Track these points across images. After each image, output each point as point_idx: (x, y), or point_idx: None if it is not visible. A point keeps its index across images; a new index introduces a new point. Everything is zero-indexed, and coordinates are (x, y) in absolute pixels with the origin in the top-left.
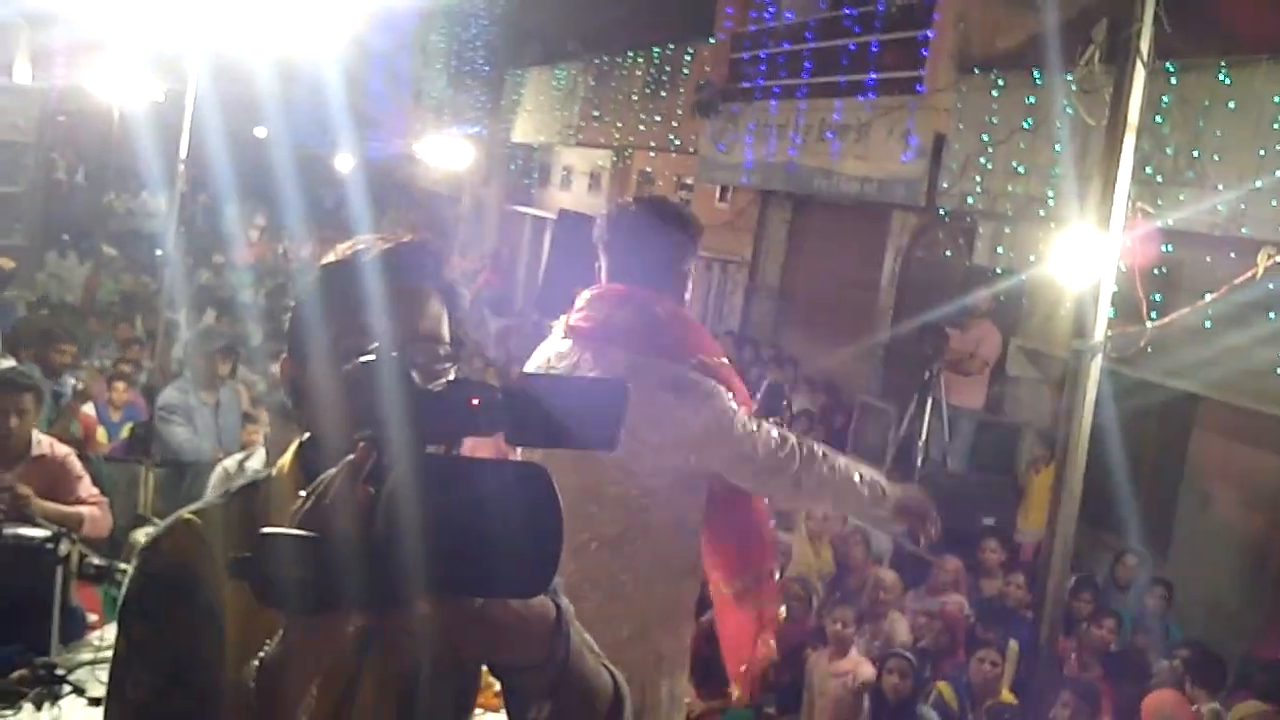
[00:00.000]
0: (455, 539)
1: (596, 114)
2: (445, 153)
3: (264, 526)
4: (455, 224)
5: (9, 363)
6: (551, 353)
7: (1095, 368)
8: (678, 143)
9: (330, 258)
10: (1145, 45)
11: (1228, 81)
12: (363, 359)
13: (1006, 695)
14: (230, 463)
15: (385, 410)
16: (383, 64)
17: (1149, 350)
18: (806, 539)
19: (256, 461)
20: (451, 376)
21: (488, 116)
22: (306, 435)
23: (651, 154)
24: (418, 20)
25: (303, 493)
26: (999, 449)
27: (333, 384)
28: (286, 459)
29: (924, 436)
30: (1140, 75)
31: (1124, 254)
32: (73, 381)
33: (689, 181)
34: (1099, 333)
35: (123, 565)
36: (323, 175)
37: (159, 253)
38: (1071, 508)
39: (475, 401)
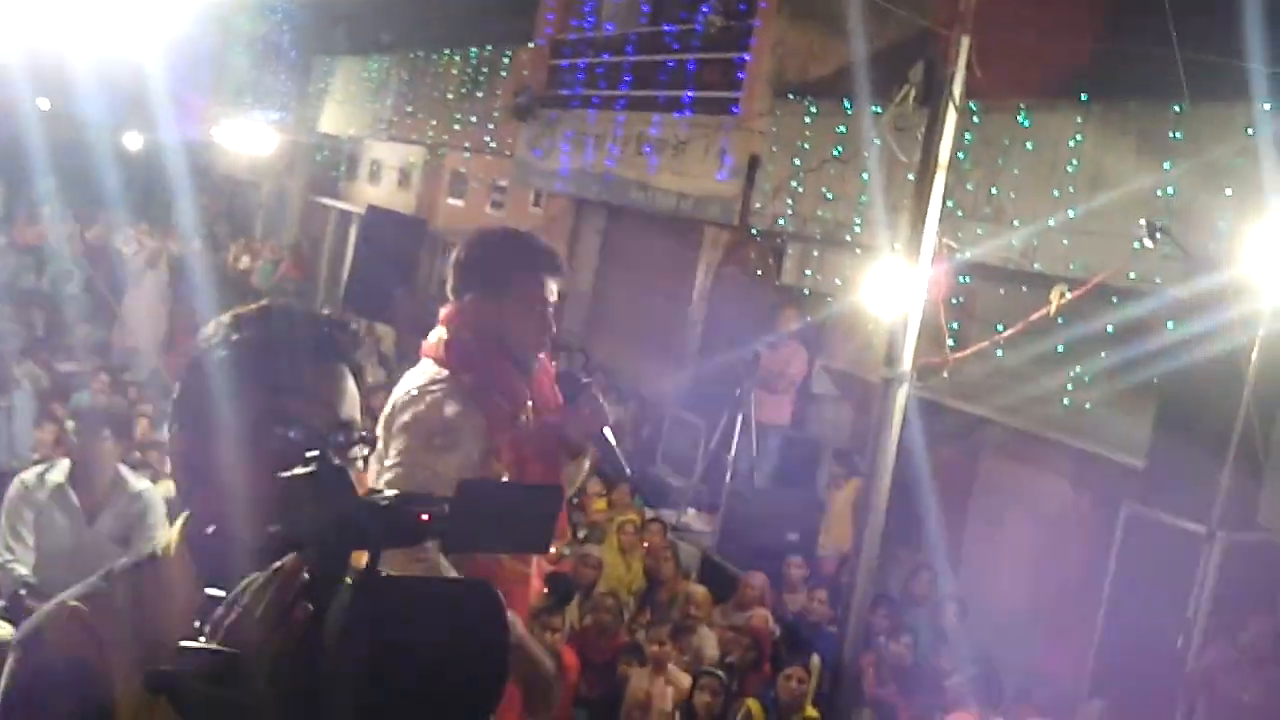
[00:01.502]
0: (408, 671)
1: (410, 109)
2: (247, 138)
3: (155, 614)
4: (255, 212)
5: None
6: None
7: (903, 394)
8: (493, 145)
9: (239, 325)
10: (958, 90)
11: (1026, 123)
12: (302, 470)
13: (810, 710)
14: (30, 476)
15: (322, 521)
16: (182, 41)
17: (945, 376)
18: (618, 552)
19: (58, 474)
20: (362, 458)
21: (293, 103)
22: (188, 514)
23: (466, 154)
24: None
25: (211, 591)
26: (803, 465)
27: (244, 471)
28: (172, 539)
29: (733, 452)
30: (952, 118)
31: (928, 285)
32: None
33: (503, 184)
34: (907, 361)
35: None
36: (112, 154)
37: None
38: (877, 526)
39: (425, 517)
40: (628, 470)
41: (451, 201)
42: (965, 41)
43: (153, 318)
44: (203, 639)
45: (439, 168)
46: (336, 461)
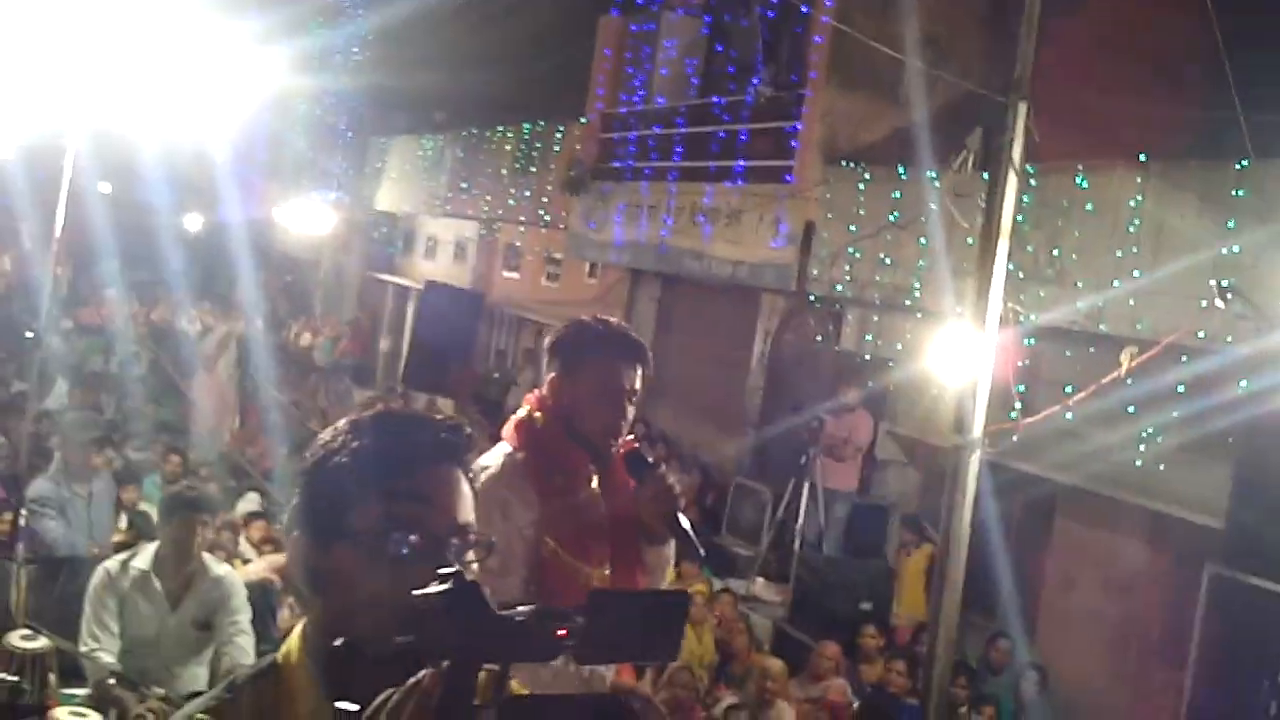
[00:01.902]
0: None
1: (464, 185)
2: (305, 218)
3: None
4: (313, 290)
5: None
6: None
7: (975, 461)
8: (547, 218)
9: (357, 431)
10: (1017, 155)
11: (1085, 185)
12: (438, 587)
13: None
14: (113, 564)
15: (459, 637)
16: (240, 124)
17: (1015, 441)
18: (688, 626)
19: (142, 561)
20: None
21: (350, 182)
22: (307, 621)
23: (521, 228)
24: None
25: (343, 705)
26: (871, 530)
27: (365, 578)
28: (293, 646)
29: (801, 520)
30: (1013, 183)
31: (995, 350)
32: None
33: (558, 256)
34: (977, 428)
35: (1, 674)
36: (174, 235)
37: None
38: (954, 597)
39: (562, 632)
40: (702, 552)
41: (507, 274)
42: (1023, 107)
43: (224, 400)
44: None
45: (494, 242)
46: (469, 577)
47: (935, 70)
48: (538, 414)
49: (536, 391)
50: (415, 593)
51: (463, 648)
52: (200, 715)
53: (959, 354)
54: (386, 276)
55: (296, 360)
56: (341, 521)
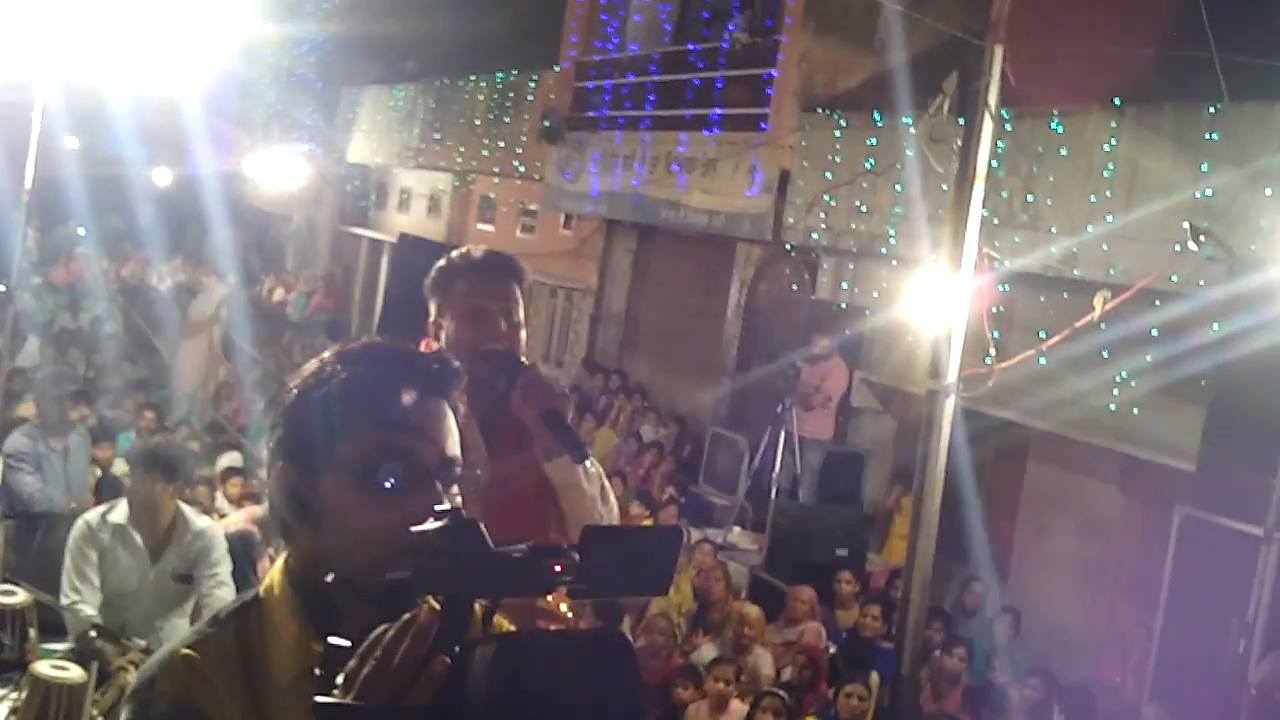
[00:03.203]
0: None
1: (438, 137)
2: (276, 171)
3: (263, 656)
4: (285, 244)
5: None
6: None
7: (950, 407)
8: (522, 169)
9: (346, 361)
10: (993, 99)
11: (1060, 129)
12: (436, 523)
13: None
14: (93, 517)
15: (456, 574)
16: (209, 75)
17: (989, 386)
18: None
19: (119, 514)
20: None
21: (321, 135)
22: (289, 552)
23: (495, 179)
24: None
25: (335, 640)
26: (846, 478)
27: (358, 505)
28: (275, 580)
29: (777, 468)
30: (989, 128)
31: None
32: None
33: (533, 208)
34: (952, 373)
35: None
36: (141, 191)
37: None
38: (929, 542)
39: (558, 569)
40: (586, 453)
41: (482, 227)
42: (999, 51)
43: (212, 361)
44: (335, 692)
45: (468, 194)
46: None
47: (913, 14)
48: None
49: (425, 341)
50: (413, 529)
51: (460, 583)
52: (185, 649)
53: (934, 300)
54: (360, 230)
55: (269, 316)
56: (331, 451)
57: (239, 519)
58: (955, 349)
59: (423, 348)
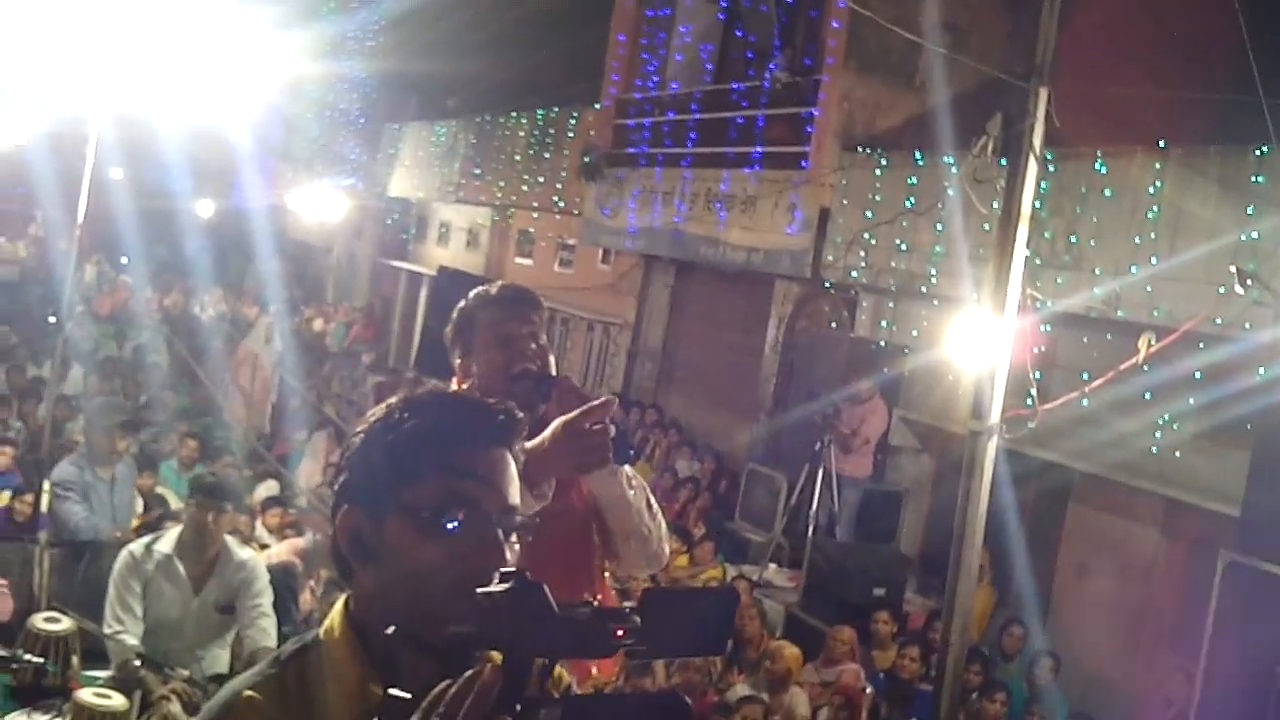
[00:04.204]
0: None
1: (478, 171)
2: (318, 204)
3: (323, 700)
4: (326, 276)
5: None
6: None
7: (992, 447)
8: (561, 204)
9: (414, 409)
10: (1038, 141)
11: (1104, 170)
12: (501, 586)
13: None
14: (137, 547)
15: (520, 634)
16: (253, 110)
17: (1031, 427)
18: None
19: (166, 544)
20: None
21: (363, 169)
22: (350, 595)
23: (534, 215)
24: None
25: (395, 692)
26: (884, 517)
27: (422, 550)
28: (335, 621)
29: (814, 506)
30: (1033, 169)
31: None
32: None
33: (571, 242)
34: (995, 415)
35: (26, 655)
36: (184, 222)
37: (53, 316)
38: (969, 583)
39: (620, 632)
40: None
41: (520, 261)
42: (1044, 92)
43: (264, 391)
44: None
45: (507, 228)
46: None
47: (954, 55)
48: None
49: (454, 381)
50: (479, 590)
51: (524, 645)
52: (247, 690)
53: (977, 340)
54: (399, 263)
55: (310, 346)
56: (397, 495)
57: (281, 550)
58: (998, 390)
59: (453, 387)
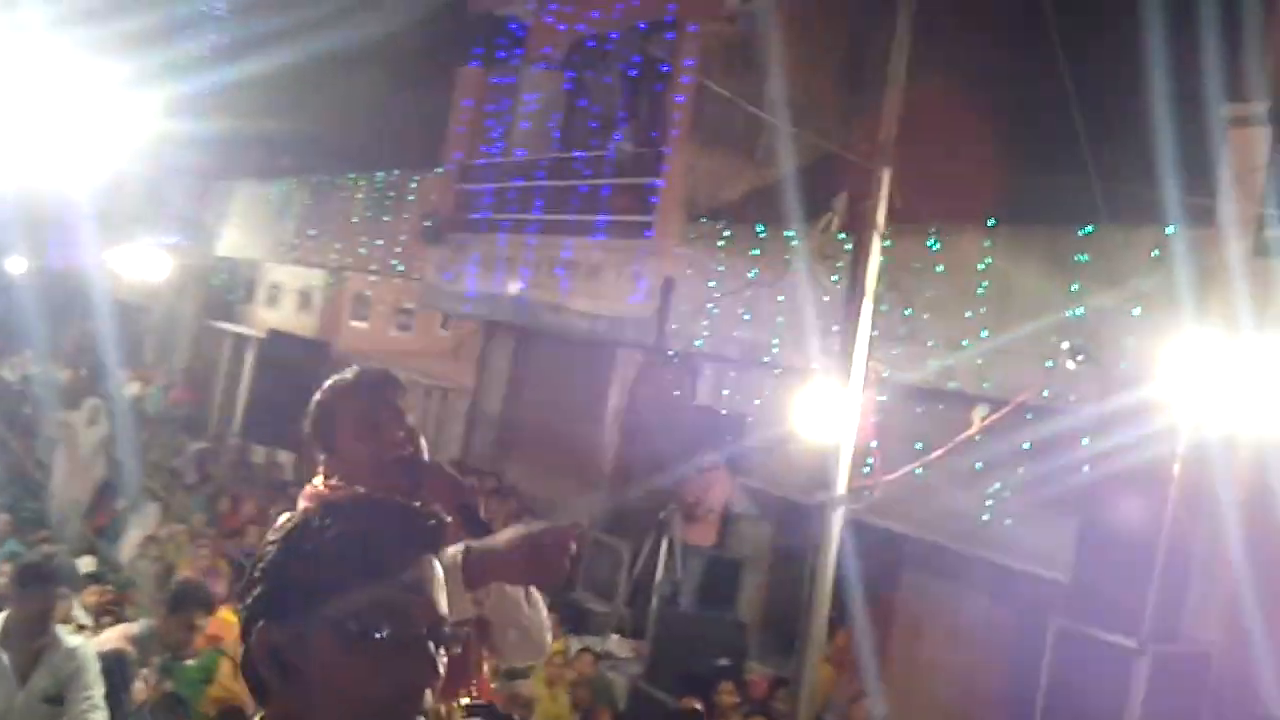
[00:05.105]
0: None
1: (313, 233)
2: (140, 262)
3: None
4: (143, 337)
5: None
6: None
7: (838, 518)
8: (401, 268)
9: (336, 515)
10: (881, 219)
11: (936, 246)
12: None
13: None
14: None
15: None
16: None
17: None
18: (544, 684)
19: None
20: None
21: (188, 227)
22: (267, 713)
23: (372, 277)
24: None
25: None
26: (726, 585)
27: (349, 665)
28: None
29: (658, 575)
30: (877, 248)
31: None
32: None
33: (409, 307)
34: (841, 485)
35: None
36: None
37: None
38: (814, 652)
39: None
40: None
41: (355, 324)
42: (887, 173)
43: (88, 473)
44: None
45: (342, 291)
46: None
47: (798, 131)
48: (325, 489)
49: (309, 489)
50: None
51: None
52: None
53: (822, 411)
54: (225, 324)
55: (124, 411)
56: (320, 608)
57: (113, 636)
58: (844, 461)
59: (320, 488)
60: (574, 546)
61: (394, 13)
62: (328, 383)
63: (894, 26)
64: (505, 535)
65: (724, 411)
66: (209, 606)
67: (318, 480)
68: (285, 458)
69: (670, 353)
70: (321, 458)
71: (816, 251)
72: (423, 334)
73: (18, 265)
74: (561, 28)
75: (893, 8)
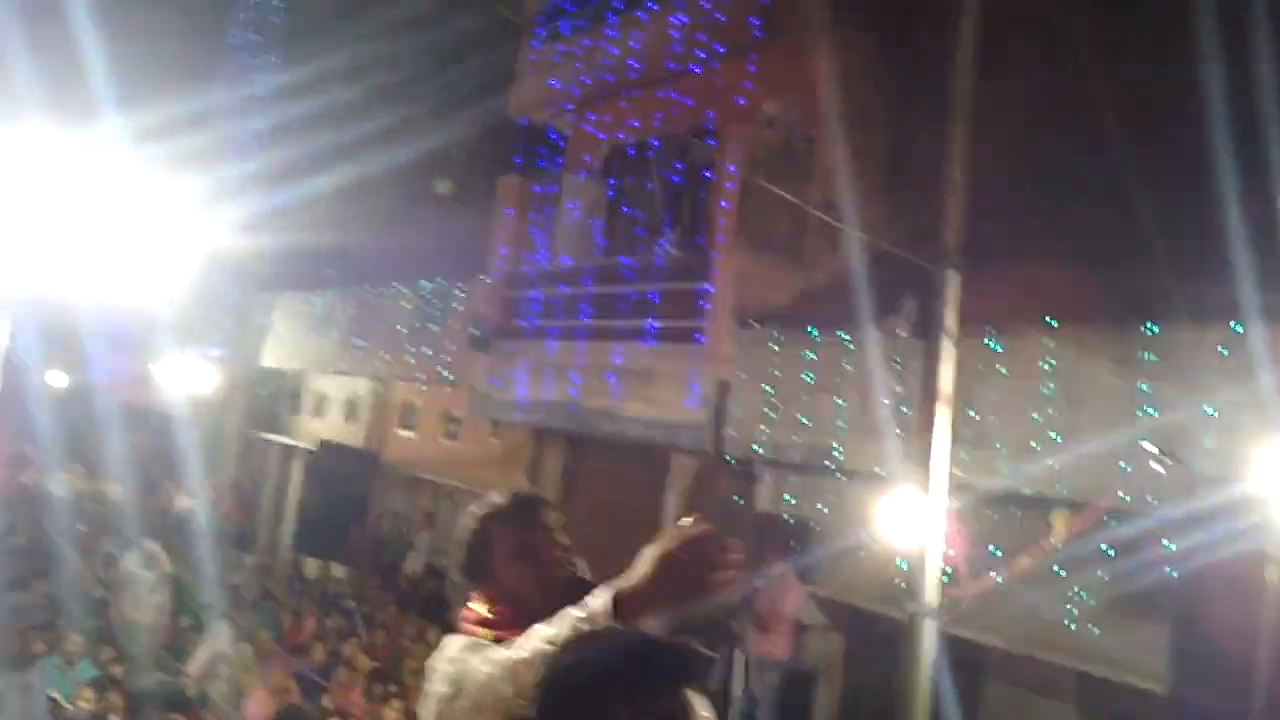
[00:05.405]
0: None
1: (359, 343)
2: (184, 376)
3: None
4: (187, 451)
5: None
6: None
7: (930, 629)
8: (449, 376)
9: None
10: (952, 322)
11: (997, 348)
12: None
13: None
14: None
15: None
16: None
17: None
18: None
19: None
20: None
21: (233, 339)
22: None
23: (420, 386)
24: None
25: None
26: (801, 697)
27: None
28: None
29: (736, 691)
30: (950, 351)
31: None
32: None
33: (456, 414)
34: (931, 596)
35: None
36: (37, 394)
37: None
38: None
39: None
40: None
41: (403, 433)
42: (955, 277)
43: (150, 597)
44: None
45: (388, 400)
46: None
47: (865, 237)
48: (493, 615)
49: (470, 614)
50: None
51: None
52: None
53: (901, 518)
54: (271, 435)
55: (177, 527)
56: None
57: None
58: (932, 570)
59: (486, 614)
60: (715, 551)
61: (435, 126)
62: (474, 510)
63: (933, 125)
64: (643, 566)
65: (787, 518)
66: None
67: (477, 606)
68: (338, 570)
69: (728, 458)
70: (479, 586)
71: (883, 356)
72: (471, 441)
73: (58, 380)
74: (601, 136)
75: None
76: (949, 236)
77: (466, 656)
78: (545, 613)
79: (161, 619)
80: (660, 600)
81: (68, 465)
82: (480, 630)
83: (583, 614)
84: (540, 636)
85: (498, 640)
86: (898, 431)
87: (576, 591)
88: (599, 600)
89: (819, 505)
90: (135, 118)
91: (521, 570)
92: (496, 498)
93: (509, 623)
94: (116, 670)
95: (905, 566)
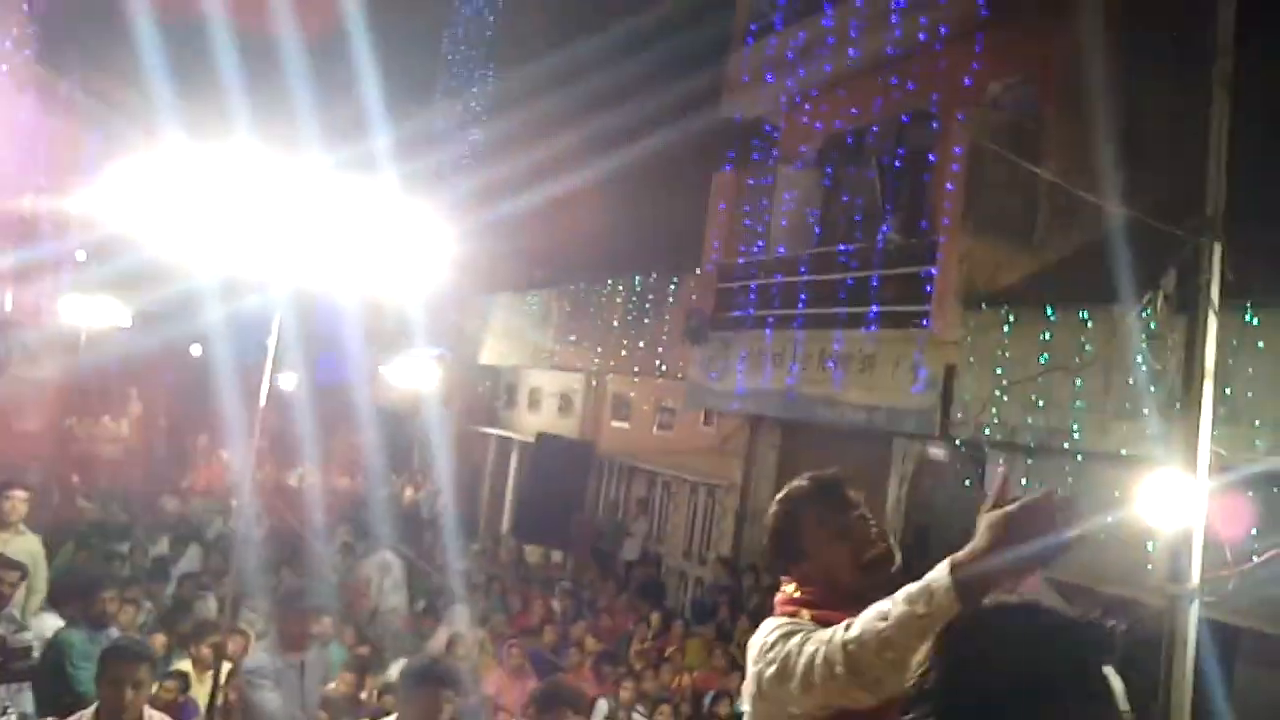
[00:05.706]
0: None
1: (573, 338)
2: (409, 373)
3: None
4: (410, 444)
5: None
6: None
7: (1194, 612)
8: (664, 368)
9: (1022, 640)
10: (1214, 296)
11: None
12: None
13: None
14: None
15: None
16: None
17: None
18: None
19: None
20: None
21: (452, 338)
22: None
23: (632, 378)
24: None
25: None
26: None
27: None
28: None
29: None
30: (1214, 326)
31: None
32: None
33: (669, 405)
34: (1194, 577)
35: None
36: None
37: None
38: None
39: None
40: None
41: (616, 424)
42: (1218, 248)
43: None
44: None
45: (601, 392)
46: None
47: (1126, 210)
48: (803, 595)
49: (783, 596)
50: None
51: None
52: None
53: (1159, 499)
54: (488, 429)
55: (409, 517)
56: None
57: None
58: (1195, 551)
59: (795, 594)
60: (1050, 511)
61: (648, 124)
62: (782, 494)
63: (1171, 94)
64: (984, 537)
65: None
66: (577, 706)
67: (789, 588)
68: (557, 556)
69: (958, 442)
70: (791, 568)
71: (1142, 332)
72: (685, 431)
73: (290, 381)
74: (817, 126)
75: (1163, 73)
76: (1211, 205)
77: (788, 637)
78: (857, 591)
79: (399, 604)
80: (999, 566)
81: (308, 460)
82: (801, 611)
83: (918, 588)
84: (874, 615)
85: (815, 620)
86: (1148, 410)
87: (887, 569)
88: (935, 572)
89: (1057, 489)
90: (373, 141)
91: (834, 549)
92: (802, 481)
93: (823, 602)
94: (363, 652)
95: (1153, 549)
